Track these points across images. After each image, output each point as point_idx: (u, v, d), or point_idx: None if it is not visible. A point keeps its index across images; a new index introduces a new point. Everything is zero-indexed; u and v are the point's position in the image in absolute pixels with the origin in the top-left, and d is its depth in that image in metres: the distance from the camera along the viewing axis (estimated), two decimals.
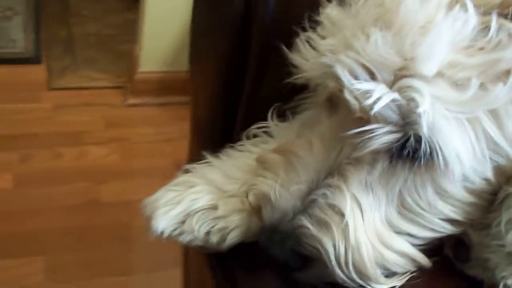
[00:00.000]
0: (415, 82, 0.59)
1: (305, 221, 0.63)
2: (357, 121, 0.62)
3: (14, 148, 2.17)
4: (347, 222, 0.62)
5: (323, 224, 0.63)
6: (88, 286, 1.70)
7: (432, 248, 0.70)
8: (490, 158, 0.64)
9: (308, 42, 0.68)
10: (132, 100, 2.51)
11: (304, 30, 0.71)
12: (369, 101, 0.59)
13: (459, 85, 0.60)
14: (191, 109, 1.08)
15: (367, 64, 0.60)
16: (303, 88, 0.78)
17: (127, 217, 1.91)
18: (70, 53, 2.79)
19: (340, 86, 0.61)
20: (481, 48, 0.61)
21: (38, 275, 1.70)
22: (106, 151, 2.23)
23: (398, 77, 0.60)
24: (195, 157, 0.81)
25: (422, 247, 0.68)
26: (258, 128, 0.80)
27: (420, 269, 0.68)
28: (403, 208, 0.66)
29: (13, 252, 1.75)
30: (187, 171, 0.76)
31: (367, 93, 0.59)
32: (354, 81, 0.60)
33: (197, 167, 0.76)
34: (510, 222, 0.64)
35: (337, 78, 0.62)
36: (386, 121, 0.61)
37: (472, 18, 0.60)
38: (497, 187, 0.66)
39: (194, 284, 0.96)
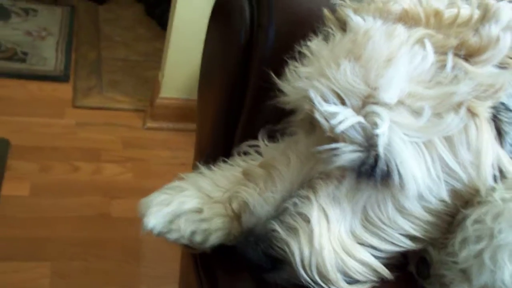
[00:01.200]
0: (377, 108, 0.66)
1: (276, 226, 0.70)
2: (329, 140, 0.70)
3: (35, 159, 2.27)
4: (312, 228, 0.70)
5: (292, 230, 0.70)
6: None
7: (397, 264, 0.76)
8: (445, 181, 0.70)
9: (294, 71, 0.77)
10: (151, 124, 2.61)
11: (294, 60, 0.80)
12: (335, 122, 0.67)
13: (417, 112, 0.67)
14: (196, 135, 1.17)
15: (337, 90, 0.68)
16: (291, 113, 0.86)
17: (135, 232, 1.96)
18: (97, 75, 2.92)
19: (313, 108, 0.69)
20: (438, 82, 0.68)
21: (44, 280, 1.77)
22: (121, 170, 2.32)
23: (365, 104, 0.67)
24: None
25: (385, 261, 0.75)
26: (249, 146, 0.87)
27: (383, 281, 0.74)
28: (367, 222, 0.72)
29: (23, 256, 1.83)
30: (181, 178, 0.84)
31: (333, 115, 0.67)
32: (324, 104, 0.68)
33: (190, 175, 0.84)
34: (463, 242, 0.69)
35: (310, 101, 0.70)
36: (352, 141, 0.68)
37: (430, 55, 0.68)
38: (455, 210, 0.72)
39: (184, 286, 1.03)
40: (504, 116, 0.70)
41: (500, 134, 0.71)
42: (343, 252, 0.71)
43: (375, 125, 0.66)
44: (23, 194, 2.09)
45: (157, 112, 2.61)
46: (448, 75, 0.68)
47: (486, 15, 0.70)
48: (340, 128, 0.67)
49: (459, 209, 0.72)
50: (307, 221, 0.70)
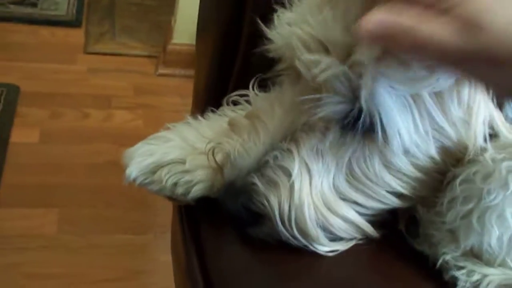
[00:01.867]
0: (362, 58, 0.62)
1: (256, 179, 0.68)
2: (313, 90, 0.66)
3: (45, 105, 2.27)
4: (293, 182, 0.67)
5: (272, 183, 0.68)
6: (97, 241, 1.78)
7: (385, 221, 0.74)
8: (434, 138, 0.66)
9: (279, 16, 0.72)
10: (163, 70, 2.58)
11: (283, 6, 0.75)
12: (316, 71, 0.63)
13: (405, 64, 0.62)
14: (194, 82, 1.14)
15: (320, 38, 0.64)
16: (279, 61, 0.83)
17: None
18: (109, 20, 2.89)
19: (294, 56, 0.66)
20: None
21: (52, 226, 1.79)
22: (132, 116, 2.32)
23: (350, 53, 0.63)
24: None
25: (371, 218, 0.72)
26: (239, 95, 0.84)
27: (368, 238, 0.72)
28: (352, 177, 0.69)
29: (31, 202, 1.85)
30: (167, 129, 0.81)
31: (315, 64, 0.63)
32: (305, 52, 0.64)
33: (177, 125, 0.81)
34: (452, 201, 0.67)
35: (292, 49, 0.66)
36: (336, 92, 0.64)
37: None
38: (445, 168, 0.69)
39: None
40: None
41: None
42: (325, 208, 0.69)
43: (359, 75, 0.63)
44: (33, 141, 2.10)
45: (169, 58, 2.57)
46: None
47: None
48: (322, 77, 0.63)
49: (449, 167, 0.69)
50: (288, 174, 0.68)
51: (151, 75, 2.60)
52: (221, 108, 0.85)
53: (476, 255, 0.68)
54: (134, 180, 0.77)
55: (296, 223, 0.68)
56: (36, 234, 1.75)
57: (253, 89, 0.84)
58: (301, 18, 0.66)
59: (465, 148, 0.67)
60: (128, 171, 0.77)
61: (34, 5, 2.85)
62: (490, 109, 0.67)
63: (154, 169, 0.76)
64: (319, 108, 0.66)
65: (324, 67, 0.63)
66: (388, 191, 0.70)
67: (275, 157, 0.68)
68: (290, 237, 0.69)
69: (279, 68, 0.80)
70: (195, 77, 1.12)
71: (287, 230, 0.68)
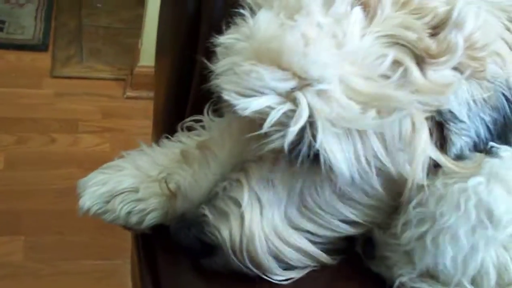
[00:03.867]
0: (303, 95, 0.62)
1: (207, 211, 0.68)
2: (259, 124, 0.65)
3: (10, 130, 2.24)
4: (243, 213, 0.67)
5: (223, 214, 0.67)
6: (65, 267, 1.75)
7: (340, 248, 0.73)
8: (379, 171, 0.66)
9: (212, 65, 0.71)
10: (130, 93, 2.56)
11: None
12: (259, 115, 0.63)
13: (351, 105, 0.62)
14: (154, 105, 1.13)
15: (255, 88, 0.63)
16: None
17: None
18: (77, 43, 2.86)
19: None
20: (379, 80, 0.63)
21: (18, 254, 1.76)
22: (99, 140, 2.29)
23: (292, 90, 0.63)
24: None
25: (325, 246, 0.72)
26: (194, 121, 0.84)
27: (325, 265, 0.72)
28: (303, 207, 0.69)
29: None
30: (121, 157, 0.80)
31: (259, 111, 0.63)
32: (241, 99, 0.63)
33: (131, 153, 0.81)
34: (406, 224, 0.67)
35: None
36: (281, 126, 0.63)
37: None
38: (395, 195, 0.69)
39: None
40: (453, 126, 0.66)
41: (444, 140, 0.67)
42: (276, 238, 0.68)
43: (301, 112, 0.62)
44: None
45: (136, 80, 2.56)
46: (393, 76, 0.63)
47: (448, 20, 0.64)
48: (270, 120, 0.62)
49: (400, 193, 0.69)
50: (238, 205, 0.67)
51: (119, 98, 2.57)
52: (176, 134, 0.84)
53: (432, 275, 0.67)
54: (88, 210, 0.75)
55: (248, 254, 0.67)
56: (2, 263, 1.72)
57: (207, 115, 0.84)
58: (232, 70, 0.66)
59: (406, 181, 0.67)
60: (81, 202, 0.76)
61: (0, 29, 2.82)
62: (434, 151, 0.67)
63: (108, 199, 0.76)
64: (266, 143, 0.65)
65: (268, 110, 0.62)
66: (340, 220, 0.70)
67: (225, 188, 0.68)
68: (243, 267, 0.68)
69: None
70: (154, 101, 1.12)
71: (239, 260, 0.68)
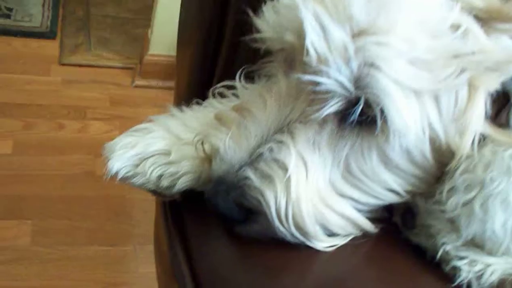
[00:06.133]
0: (372, 47, 0.59)
1: (250, 173, 0.64)
2: (311, 82, 0.63)
3: (18, 116, 2.21)
4: (289, 176, 0.63)
5: (267, 177, 0.64)
6: (72, 253, 1.72)
7: (380, 217, 0.71)
8: (430, 139, 0.65)
9: (272, 7, 0.69)
10: (139, 81, 2.54)
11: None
12: (322, 50, 0.60)
13: (414, 62, 0.60)
14: (176, 76, 1.10)
15: (326, 18, 0.61)
16: (266, 53, 0.80)
17: (120, 191, 1.94)
18: (85, 32, 2.84)
19: (300, 37, 0.62)
20: (445, 39, 0.61)
21: (25, 238, 1.73)
22: (107, 127, 2.26)
23: (359, 35, 0.60)
24: None
25: (367, 214, 0.69)
26: (225, 87, 0.81)
27: (366, 233, 0.69)
28: (348, 173, 0.66)
29: (4, 213, 1.79)
30: (149, 121, 0.77)
31: (322, 43, 0.60)
32: (317, 28, 0.61)
33: (160, 117, 0.77)
34: (451, 190, 0.65)
35: (296, 32, 0.63)
36: (343, 89, 0.61)
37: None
38: (441, 165, 0.67)
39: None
40: None
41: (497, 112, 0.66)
42: (322, 204, 0.65)
43: (369, 65, 0.60)
44: (6, 152, 2.03)
45: (146, 69, 2.53)
46: (458, 36, 0.61)
47: None
48: (327, 57, 0.60)
49: (446, 164, 0.66)
50: (284, 168, 0.64)
51: (127, 87, 2.55)
52: (206, 100, 0.81)
53: (477, 244, 0.65)
54: (116, 174, 0.72)
55: (294, 219, 0.64)
56: (9, 246, 1.69)
57: (239, 81, 0.81)
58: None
59: (455, 151, 0.65)
60: (109, 165, 0.72)
61: (8, 16, 2.79)
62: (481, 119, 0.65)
63: (137, 162, 0.72)
64: (322, 106, 0.63)
65: (332, 46, 0.60)
66: (384, 188, 0.67)
67: (270, 150, 0.64)
68: (287, 234, 0.65)
69: (266, 60, 0.77)
70: (176, 70, 1.08)
71: (283, 226, 0.64)
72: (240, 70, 0.81)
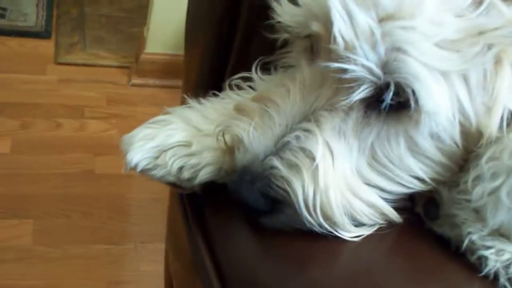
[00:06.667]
0: (400, 32, 0.59)
1: (276, 163, 0.63)
2: (338, 70, 0.62)
3: (16, 115, 2.19)
4: (317, 165, 0.62)
5: (294, 167, 0.63)
6: (74, 251, 1.70)
7: (403, 207, 0.70)
8: (459, 122, 0.64)
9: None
10: (136, 80, 2.53)
11: None
12: (349, 37, 0.60)
13: (441, 43, 0.60)
14: (182, 90, 1.09)
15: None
16: (285, 44, 0.79)
17: (120, 189, 1.93)
18: (80, 31, 2.82)
19: (326, 25, 0.62)
20: (469, 16, 0.61)
21: (26, 237, 1.71)
22: (105, 126, 2.25)
23: (385, 20, 0.60)
24: None
25: (393, 203, 0.68)
26: (241, 78, 0.80)
27: (390, 223, 0.68)
28: (374, 160, 0.66)
29: (5, 213, 1.77)
30: (167, 112, 0.76)
31: (349, 29, 0.60)
32: (339, 18, 0.60)
33: (177, 108, 0.76)
34: (477, 179, 0.64)
35: (323, 18, 0.62)
36: (372, 75, 0.61)
37: None
38: (465, 152, 0.67)
39: (170, 239, 0.96)
40: None
41: None
42: (349, 193, 0.64)
43: (397, 49, 0.60)
44: (4, 151, 2.02)
45: (142, 68, 2.52)
46: (481, 12, 0.61)
47: None
48: (354, 45, 0.60)
49: (471, 150, 0.66)
50: (311, 157, 0.63)
51: (124, 85, 2.53)
52: (223, 92, 0.80)
53: (503, 234, 0.64)
54: (136, 166, 0.71)
55: (321, 209, 0.63)
56: (10, 246, 1.67)
57: (256, 72, 0.80)
58: None
59: (483, 134, 0.65)
60: (128, 157, 0.71)
61: (2, 16, 2.76)
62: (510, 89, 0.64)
63: (157, 153, 0.71)
64: (348, 87, 0.62)
65: (358, 32, 0.59)
66: (411, 175, 0.67)
67: (297, 138, 0.64)
68: (315, 224, 0.64)
69: (284, 50, 0.77)
70: (185, 67, 1.07)
71: (311, 215, 0.63)
72: (256, 61, 0.80)
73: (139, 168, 0.71)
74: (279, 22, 0.72)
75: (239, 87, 0.81)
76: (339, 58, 0.62)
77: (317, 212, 0.63)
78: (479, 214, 0.65)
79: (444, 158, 0.66)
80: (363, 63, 0.60)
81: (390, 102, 0.62)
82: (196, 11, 1.00)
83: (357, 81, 0.62)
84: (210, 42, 0.95)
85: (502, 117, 0.64)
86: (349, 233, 0.65)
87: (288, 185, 0.63)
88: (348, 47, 0.61)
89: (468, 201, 0.65)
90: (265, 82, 0.78)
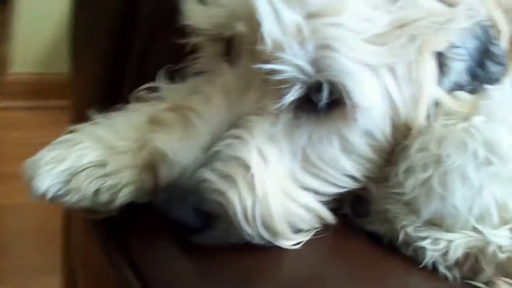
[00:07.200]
0: (328, 29, 0.58)
1: (208, 175, 0.59)
2: (266, 72, 0.60)
3: None
4: (253, 174, 0.59)
5: (227, 177, 0.59)
6: None
7: (334, 207, 0.68)
8: (390, 116, 0.64)
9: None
10: (2, 103, 2.35)
11: None
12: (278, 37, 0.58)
13: (368, 38, 0.60)
14: (72, 110, 1.01)
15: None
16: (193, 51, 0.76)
17: (2, 221, 1.78)
18: None
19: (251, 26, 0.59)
20: (389, 10, 0.62)
21: None
22: None
23: (311, 17, 0.59)
24: None
25: (326, 205, 0.67)
26: (148, 89, 0.75)
27: (325, 226, 0.66)
28: (307, 163, 0.64)
29: None
30: (70, 132, 0.69)
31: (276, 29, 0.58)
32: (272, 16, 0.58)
33: (82, 126, 0.69)
34: (408, 171, 0.64)
35: (248, 16, 0.59)
36: (303, 74, 0.59)
37: None
38: (392, 145, 0.67)
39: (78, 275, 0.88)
40: (451, 52, 0.65)
41: (441, 70, 0.66)
42: (287, 199, 0.62)
43: (326, 47, 0.58)
44: None
45: (8, 90, 2.35)
46: (402, 5, 0.62)
47: None
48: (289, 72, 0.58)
49: (398, 143, 0.67)
50: (245, 166, 0.59)
51: None
52: (127, 106, 0.74)
53: (435, 223, 0.65)
54: (45, 193, 0.63)
55: (262, 219, 0.60)
56: None
57: (162, 82, 0.75)
58: None
59: (411, 126, 0.65)
60: (35, 183, 0.63)
61: None
62: (435, 86, 0.66)
63: (68, 177, 0.64)
64: (277, 89, 0.60)
65: (286, 30, 0.57)
66: (344, 174, 0.66)
67: (227, 146, 0.60)
68: (255, 235, 0.61)
69: (197, 57, 0.73)
70: (73, 84, 0.99)
71: (251, 227, 0.60)
72: (162, 70, 0.76)
73: (49, 195, 0.63)
74: (189, 25, 0.68)
75: (143, 99, 0.75)
76: (266, 59, 0.59)
77: (257, 223, 0.60)
78: (410, 206, 0.65)
79: (374, 154, 0.66)
80: (293, 63, 0.58)
81: (323, 100, 0.61)
82: (83, 21, 0.93)
83: (287, 82, 0.60)
84: (104, 53, 0.89)
85: (428, 107, 0.64)
86: (289, 241, 0.63)
87: (223, 197, 0.59)
88: (277, 46, 0.58)
89: (400, 194, 0.65)
90: (175, 91, 0.74)
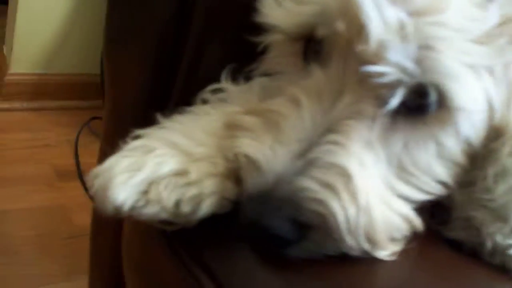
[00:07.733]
0: (432, 27, 0.56)
1: (307, 183, 0.55)
2: (359, 74, 0.58)
3: None
4: (354, 182, 0.56)
5: (328, 186, 0.56)
6: None
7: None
8: (486, 119, 0.62)
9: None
10: (2, 105, 2.30)
11: None
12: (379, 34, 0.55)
13: (471, 37, 0.58)
14: (105, 117, 0.96)
15: None
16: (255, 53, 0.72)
17: (5, 227, 1.72)
18: None
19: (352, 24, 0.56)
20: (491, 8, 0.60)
21: None
22: None
23: (415, 15, 0.56)
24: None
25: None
26: (213, 90, 0.71)
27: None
28: (401, 169, 0.61)
29: None
30: (137, 137, 0.65)
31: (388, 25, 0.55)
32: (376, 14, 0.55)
33: (151, 131, 0.65)
34: (498, 175, 0.62)
35: (349, 14, 0.56)
36: (406, 74, 0.56)
37: None
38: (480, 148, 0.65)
39: None
40: None
41: None
42: (387, 208, 0.59)
43: (430, 48, 0.56)
44: None
45: (8, 91, 2.29)
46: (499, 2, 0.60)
47: None
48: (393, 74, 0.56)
49: (485, 146, 0.64)
50: (345, 173, 0.56)
51: None
52: (195, 107, 0.71)
53: None
54: (121, 205, 0.58)
55: (366, 229, 0.57)
56: None
57: (227, 83, 0.72)
58: None
59: (504, 128, 0.63)
60: (112, 195, 0.57)
61: None
62: None
63: (147, 187, 0.59)
64: (379, 91, 0.57)
65: (390, 29, 0.55)
66: (435, 180, 0.63)
67: (326, 153, 0.57)
68: (355, 247, 0.58)
69: (270, 57, 0.70)
70: (108, 83, 0.95)
71: (354, 239, 0.57)
72: (226, 69, 0.72)
73: (126, 208, 0.58)
74: (264, 23, 0.65)
75: (208, 101, 0.72)
76: (367, 60, 0.56)
77: (359, 233, 0.57)
78: (498, 212, 0.62)
79: (465, 158, 0.64)
80: (398, 64, 0.55)
81: (425, 103, 0.59)
82: (127, 16, 0.88)
83: (389, 85, 0.57)
84: (150, 58, 0.85)
85: None
86: (386, 251, 0.60)
87: (324, 207, 0.55)
88: (381, 47, 0.55)
89: (490, 200, 0.62)
90: (241, 93, 0.70)
